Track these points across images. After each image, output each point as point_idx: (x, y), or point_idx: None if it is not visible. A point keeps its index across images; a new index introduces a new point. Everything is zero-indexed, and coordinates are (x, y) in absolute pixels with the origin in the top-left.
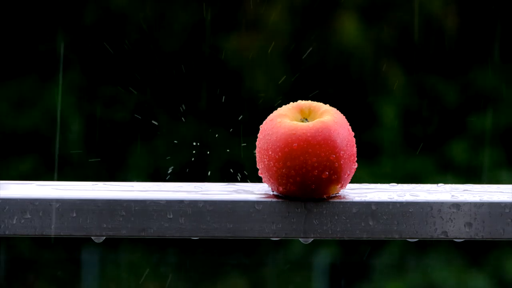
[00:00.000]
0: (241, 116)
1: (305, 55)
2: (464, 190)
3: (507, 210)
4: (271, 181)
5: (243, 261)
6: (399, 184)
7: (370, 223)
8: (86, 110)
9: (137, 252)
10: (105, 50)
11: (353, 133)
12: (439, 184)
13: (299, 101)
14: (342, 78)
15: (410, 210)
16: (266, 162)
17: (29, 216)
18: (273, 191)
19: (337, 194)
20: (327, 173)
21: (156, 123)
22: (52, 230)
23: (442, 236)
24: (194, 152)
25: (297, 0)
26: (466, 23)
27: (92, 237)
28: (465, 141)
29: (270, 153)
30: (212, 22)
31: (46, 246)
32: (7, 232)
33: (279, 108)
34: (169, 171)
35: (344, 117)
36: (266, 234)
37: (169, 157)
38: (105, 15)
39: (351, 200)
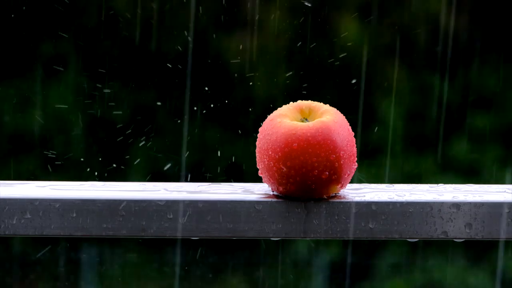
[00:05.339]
0: (241, 116)
1: (305, 55)
2: (464, 190)
3: (507, 210)
4: (271, 181)
5: (243, 261)
6: (399, 184)
7: (370, 223)
8: (86, 109)
9: (137, 252)
10: (105, 49)
11: (353, 133)
12: (439, 184)
13: (299, 101)
14: (342, 78)
15: (410, 210)
16: (266, 162)
17: (29, 216)
18: (273, 191)
19: (337, 194)
20: (327, 173)
21: (156, 123)
22: (52, 230)
23: (442, 236)
24: (194, 152)
25: (298, 0)
26: (467, 23)
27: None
28: (466, 141)
29: (270, 153)
30: (212, 22)
31: (46, 246)
32: (7, 232)
33: (279, 108)
34: (169, 171)
35: (344, 117)
36: (266, 234)
37: (169, 157)
38: (106, 14)
39: (351, 200)
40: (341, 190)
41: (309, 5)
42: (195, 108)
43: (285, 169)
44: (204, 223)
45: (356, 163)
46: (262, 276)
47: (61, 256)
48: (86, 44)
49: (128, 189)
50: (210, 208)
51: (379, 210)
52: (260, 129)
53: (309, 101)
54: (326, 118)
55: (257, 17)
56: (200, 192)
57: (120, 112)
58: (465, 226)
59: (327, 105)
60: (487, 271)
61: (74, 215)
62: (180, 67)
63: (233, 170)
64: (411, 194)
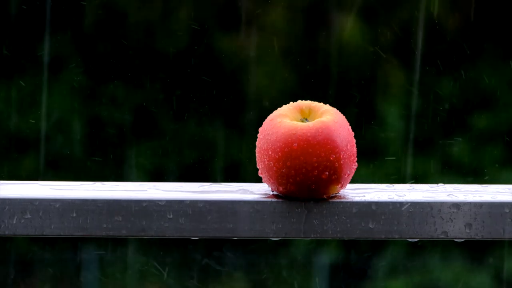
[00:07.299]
0: (241, 116)
1: (305, 55)
2: (464, 190)
3: (507, 210)
4: (271, 181)
5: (243, 261)
6: (399, 184)
7: (370, 223)
8: (86, 109)
9: (137, 252)
10: (105, 49)
11: (353, 133)
12: (439, 184)
13: (299, 101)
14: (342, 78)
15: (410, 210)
16: (266, 162)
17: (29, 216)
18: (273, 191)
19: (337, 194)
20: (327, 173)
21: (156, 123)
22: (52, 230)
23: (442, 236)
24: (194, 152)
25: (298, 0)
26: (467, 22)
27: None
28: (466, 141)
29: (270, 153)
30: (212, 21)
31: (46, 246)
32: (7, 232)
33: (279, 108)
34: (169, 171)
35: (344, 117)
36: (266, 234)
37: (169, 157)
38: (106, 14)
39: (351, 200)
40: (341, 190)
41: (310, 4)
42: (195, 108)
43: (285, 169)
44: (204, 223)
45: (356, 163)
46: (262, 276)
47: (61, 256)
48: (85, 43)
49: (128, 189)
50: (210, 208)
51: (379, 210)
52: (260, 129)
53: (309, 101)
54: (326, 118)
55: (257, 17)
56: (200, 192)
57: (120, 112)
58: (465, 226)
59: (327, 105)
60: (487, 271)
61: (74, 215)
62: (180, 66)
63: (233, 170)
64: (411, 194)
